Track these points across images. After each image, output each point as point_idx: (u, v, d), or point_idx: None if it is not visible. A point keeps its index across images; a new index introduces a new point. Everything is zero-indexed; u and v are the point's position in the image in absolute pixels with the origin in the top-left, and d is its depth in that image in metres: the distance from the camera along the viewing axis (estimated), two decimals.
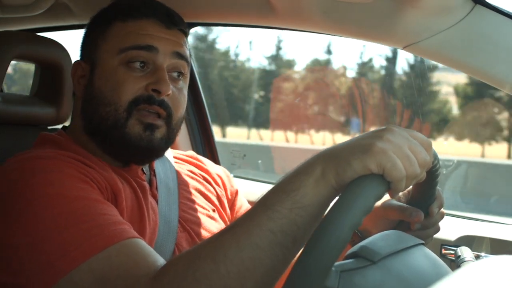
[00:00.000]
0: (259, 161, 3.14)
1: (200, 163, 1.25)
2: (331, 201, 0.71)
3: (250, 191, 1.59)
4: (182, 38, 1.08)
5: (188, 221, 1.08)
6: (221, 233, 0.74)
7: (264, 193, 0.73)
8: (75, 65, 1.10)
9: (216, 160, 1.89)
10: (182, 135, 1.87)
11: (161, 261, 0.79)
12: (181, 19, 1.10)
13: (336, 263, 0.67)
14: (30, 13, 1.49)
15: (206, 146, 1.91)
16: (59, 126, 1.32)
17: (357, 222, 0.64)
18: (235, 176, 1.82)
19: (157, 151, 1.05)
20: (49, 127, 1.32)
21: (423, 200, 0.91)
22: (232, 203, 1.23)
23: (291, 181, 0.71)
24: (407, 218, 0.91)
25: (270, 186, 0.74)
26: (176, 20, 1.07)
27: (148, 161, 1.10)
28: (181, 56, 1.06)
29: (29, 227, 0.81)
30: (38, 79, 1.30)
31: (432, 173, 0.81)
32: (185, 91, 1.08)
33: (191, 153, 1.29)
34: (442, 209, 0.94)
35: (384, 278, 0.68)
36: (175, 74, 1.06)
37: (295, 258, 0.67)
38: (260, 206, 0.71)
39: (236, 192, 1.25)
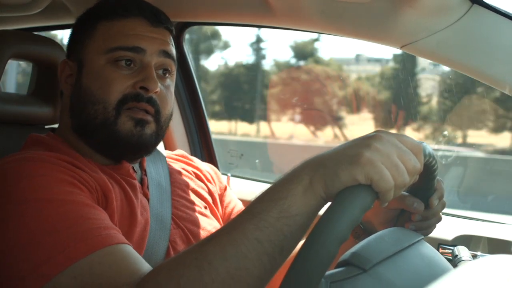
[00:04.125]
0: None
1: (190, 161, 1.27)
2: (318, 211, 0.69)
3: (247, 191, 1.60)
4: (168, 36, 1.09)
5: (181, 218, 1.09)
6: (207, 240, 0.72)
7: (252, 200, 0.72)
8: (62, 64, 1.10)
9: (213, 160, 1.89)
10: (180, 135, 1.87)
11: (145, 268, 0.78)
12: (167, 17, 1.10)
13: (327, 273, 0.66)
14: (27, 12, 1.49)
15: (203, 146, 1.90)
16: (57, 126, 1.32)
17: (344, 234, 0.63)
18: (232, 176, 1.82)
19: (147, 147, 1.06)
20: (46, 126, 1.32)
21: (423, 192, 0.90)
22: (221, 198, 1.24)
23: (278, 190, 0.69)
24: (406, 207, 0.91)
25: (267, 186, 0.73)
26: (162, 18, 1.08)
27: (138, 157, 1.10)
28: (167, 54, 1.07)
29: (15, 232, 0.81)
30: (35, 78, 1.30)
31: (429, 168, 0.81)
32: (172, 89, 1.10)
33: (181, 152, 1.31)
34: (443, 199, 0.94)
35: (375, 287, 0.67)
36: (161, 72, 1.07)
37: (284, 270, 0.66)
38: (246, 214, 0.70)
39: (225, 188, 1.26)
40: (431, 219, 0.92)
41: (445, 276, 0.50)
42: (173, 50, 1.09)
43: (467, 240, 1.29)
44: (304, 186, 0.68)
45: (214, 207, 1.19)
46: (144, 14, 1.06)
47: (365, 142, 0.68)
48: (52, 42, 1.29)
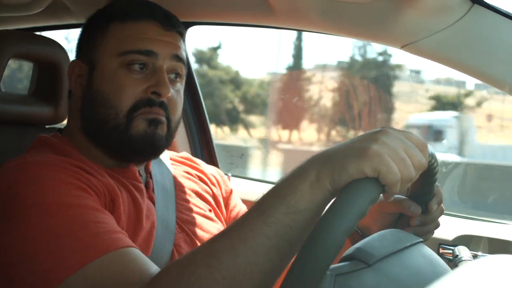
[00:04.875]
0: None
1: (194, 164, 1.26)
2: (326, 205, 0.70)
3: (248, 191, 1.59)
4: (179, 40, 1.09)
5: (186, 221, 1.08)
6: (216, 238, 0.73)
7: (259, 197, 0.72)
8: (72, 65, 1.10)
9: (214, 161, 1.89)
10: (181, 136, 1.87)
11: (154, 269, 0.78)
12: (179, 21, 1.10)
13: (331, 266, 0.67)
14: (28, 12, 1.49)
15: (204, 147, 1.90)
16: (59, 125, 1.32)
17: (351, 226, 0.63)
18: (233, 176, 1.82)
19: (158, 148, 1.05)
20: (46, 126, 1.32)
21: (422, 197, 0.90)
22: (226, 201, 1.23)
23: (286, 186, 0.70)
24: (403, 211, 0.91)
25: (268, 186, 0.73)
26: (174, 21, 1.08)
27: (148, 159, 1.10)
28: (179, 58, 1.07)
29: (24, 236, 0.81)
30: (36, 78, 1.30)
31: (430, 171, 0.81)
32: (182, 93, 1.10)
33: (185, 154, 1.30)
34: (442, 205, 0.94)
35: (379, 281, 0.67)
36: (173, 76, 1.07)
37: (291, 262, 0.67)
38: (254, 211, 0.71)
39: (231, 191, 1.26)
40: (430, 224, 0.93)
41: (446, 276, 0.50)
42: (184, 54, 1.09)
43: (468, 240, 1.29)
44: (311, 181, 0.69)
45: (218, 211, 1.18)
46: (156, 17, 1.06)
47: (372, 136, 0.69)
48: (53, 42, 1.29)
